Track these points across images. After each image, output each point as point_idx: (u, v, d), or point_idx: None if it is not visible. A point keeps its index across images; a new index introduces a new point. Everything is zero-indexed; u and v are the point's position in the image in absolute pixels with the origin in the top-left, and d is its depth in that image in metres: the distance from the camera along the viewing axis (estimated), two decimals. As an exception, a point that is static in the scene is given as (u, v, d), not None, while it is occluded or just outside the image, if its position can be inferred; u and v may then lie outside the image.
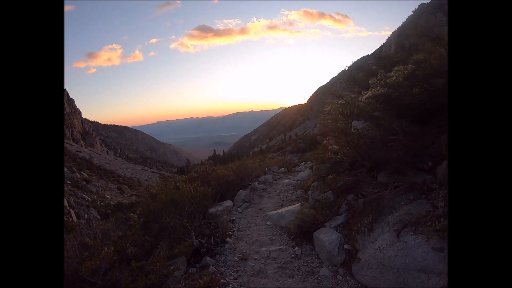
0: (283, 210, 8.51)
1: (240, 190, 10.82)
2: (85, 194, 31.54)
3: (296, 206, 8.31)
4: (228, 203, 9.91)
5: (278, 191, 11.11)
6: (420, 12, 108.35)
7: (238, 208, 9.72)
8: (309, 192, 8.89)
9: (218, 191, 10.03)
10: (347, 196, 7.00)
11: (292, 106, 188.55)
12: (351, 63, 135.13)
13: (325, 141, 9.14)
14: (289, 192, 10.75)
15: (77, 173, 37.19)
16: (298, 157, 27.08)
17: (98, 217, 26.72)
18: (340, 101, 7.09)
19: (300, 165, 21.82)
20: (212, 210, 8.65)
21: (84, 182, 36.02)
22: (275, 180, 13.01)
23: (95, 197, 33.24)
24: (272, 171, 14.45)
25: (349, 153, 7.15)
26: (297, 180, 11.81)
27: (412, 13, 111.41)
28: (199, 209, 7.27)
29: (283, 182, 12.37)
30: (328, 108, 7.38)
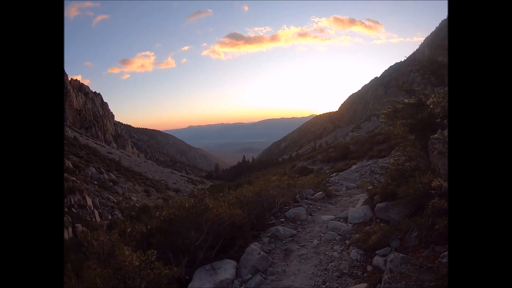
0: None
1: (252, 245, 6.56)
2: (111, 195, 31.40)
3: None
4: (228, 269, 6.01)
5: (315, 243, 7.13)
6: None
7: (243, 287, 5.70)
8: (376, 259, 5.46)
9: (216, 240, 6.58)
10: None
11: (323, 113, 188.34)
12: (384, 71, 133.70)
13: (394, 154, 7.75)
14: (335, 248, 6.72)
15: (104, 174, 37.17)
16: (329, 167, 26.31)
17: (122, 218, 26.60)
18: (408, 100, 6.70)
19: (339, 183, 20.90)
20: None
21: (111, 183, 35.88)
22: (310, 214, 9.26)
23: (121, 198, 33.11)
24: (306, 198, 10.95)
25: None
26: (346, 222, 8.04)
27: (445, 18, 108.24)
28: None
29: (323, 219, 8.68)
30: (386, 111, 6.98)
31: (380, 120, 7.07)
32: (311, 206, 10.28)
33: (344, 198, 11.44)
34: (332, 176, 22.48)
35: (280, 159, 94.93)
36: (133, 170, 53.21)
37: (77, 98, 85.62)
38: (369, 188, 8.15)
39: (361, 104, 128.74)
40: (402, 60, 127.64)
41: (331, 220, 8.48)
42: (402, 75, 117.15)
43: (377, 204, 7.02)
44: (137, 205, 32.81)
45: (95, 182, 33.37)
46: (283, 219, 8.80)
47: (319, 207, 10.26)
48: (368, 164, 21.58)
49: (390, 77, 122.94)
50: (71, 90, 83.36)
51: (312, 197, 11.30)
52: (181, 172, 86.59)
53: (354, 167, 22.27)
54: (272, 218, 8.90)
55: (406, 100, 6.87)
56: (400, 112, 6.92)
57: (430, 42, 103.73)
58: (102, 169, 39.34)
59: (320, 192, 11.63)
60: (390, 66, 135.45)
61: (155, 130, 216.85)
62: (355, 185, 17.46)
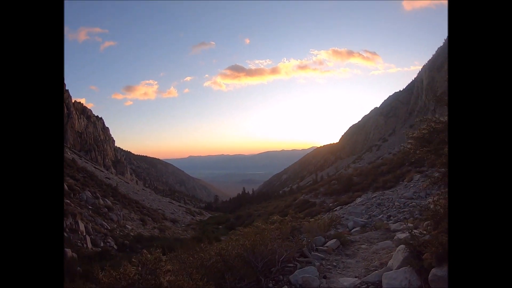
0: None
1: None
2: (104, 222, 30.42)
3: None
4: None
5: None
6: None
7: None
8: None
9: None
10: None
11: (324, 145, 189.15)
12: (383, 101, 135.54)
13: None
14: None
15: (100, 199, 36.21)
16: (332, 200, 25.45)
17: (115, 247, 25.69)
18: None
19: (344, 217, 19.90)
20: None
21: (106, 209, 34.79)
22: (324, 277, 7.01)
23: (115, 225, 32.02)
24: (316, 250, 8.75)
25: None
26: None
27: (441, 44, 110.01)
28: None
29: (343, 284, 6.47)
30: (418, 135, 6.44)
31: (408, 147, 6.29)
32: (323, 262, 7.80)
33: (362, 246, 9.23)
34: (336, 210, 21.57)
35: (281, 191, 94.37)
36: (130, 198, 52.24)
37: (79, 120, 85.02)
38: (410, 241, 5.79)
39: (361, 135, 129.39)
40: (401, 89, 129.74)
41: (354, 282, 6.42)
42: (402, 104, 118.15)
43: (432, 271, 4.82)
44: (132, 233, 31.82)
45: (90, 207, 32.36)
46: (286, 287, 6.48)
47: (334, 263, 7.72)
48: (374, 197, 20.73)
49: (389, 106, 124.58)
50: (74, 112, 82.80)
51: (323, 247, 8.91)
52: (179, 202, 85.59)
53: (359, 200, 21.43)
54: (270, 284, 6.59)
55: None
56: (440, 133, 6.15)
57: (428, 70, 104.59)
58: (98, 194, 38.33)
59: (334, 240, 9.23)
60: (389, 96, 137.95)
61: (155, 158, 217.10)
62: (363, 220, 16.50)
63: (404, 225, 9.17)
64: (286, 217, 12.22)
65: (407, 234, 6.40)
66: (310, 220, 12.21)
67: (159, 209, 56.14)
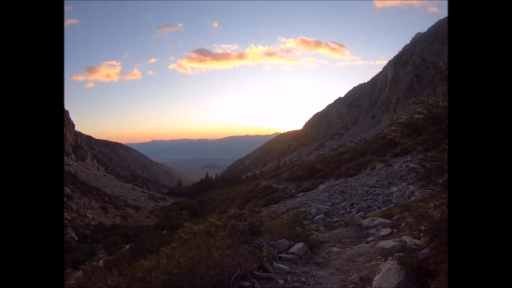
0: None
1: None
2: (64, 212, 29.62)
3: None
4: None
5: None
6: (417, 41, 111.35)
7: None
8: None
9: None
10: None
11: (287, 131, 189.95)
12: (348, 91, 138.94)
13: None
14: None
15: (58, 187, 35.27)
16: (295, 186, 25.55)
17: (76, 238, 25.15)
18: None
19: (307, 204, 19.92)
20: None
21: (65, 198, 33.65)
22: None
23: (75, 215, 31.34)
24: (279, 258, 7.00)
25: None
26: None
27: (408, 42, 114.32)
28: None
29: None
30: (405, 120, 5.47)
31: (392, 134, 5.71)
32: (289, 276, 6.26)
33: (334, 249, 7.84)
34: (298, 196, 21.69)
35: (244, 177, 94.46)
36: (91, 185, 51.15)
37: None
38: (404, 259, 4.58)
39: (324, 123, 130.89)
40: (366, 82, 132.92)
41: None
42: (365, 96, 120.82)
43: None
44: (93, 223, 31.23)
45: (47, 197, 31.48)
46: None
47: (302, 278, 6.20)
48: (337, 184, 20.93)
49: (353, 97, 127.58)
50: (30, 96, 79.96)
51: (288, 254, 7.29)
52: (142, 188, 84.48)
53: (322, 186, 21.59)
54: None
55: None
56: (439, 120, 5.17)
57: (393, 65, 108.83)
58: (55, 183, 37.35)
59: (300, 245, 7.60)
60: (354, 87, 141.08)
61: (117, 143, 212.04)
62: (326, 207, 16.62)
63: (391, 232, 8.19)
64: (245, 210, 10.72)
65: (395, 243, 5.56)
66: (273, 216, 10.84)
67: (121, 195, 55.38)
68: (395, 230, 8.17)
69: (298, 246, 7.55)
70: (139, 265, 5.38)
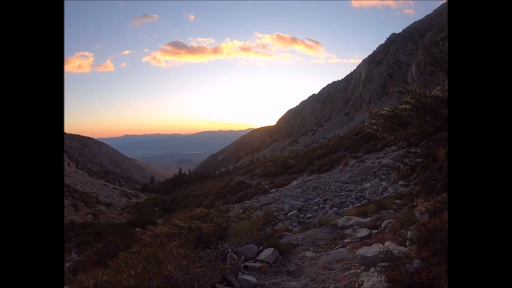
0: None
1: None
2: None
3: None
4: None
5: None
6: (391, 41, 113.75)
7: None
8: None
9: None
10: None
11: (261, 127, 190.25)
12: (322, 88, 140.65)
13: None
14: None
15: (27, 186, 34.58)
16: (268, 182, 25.51)
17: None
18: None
19: (280, 200, 19.76)
20: None
21: (34, 196, 32.93)
22: None
23: (44, 214, 30.54)
24: (246, 268, 6.20)
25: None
26: None
27: (383, 42, 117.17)
28: None
29: None
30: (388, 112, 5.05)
31: (373, 128, 5.24)
32: None
33: (307, 253, 7.02)
34: (272, 192, 21.65)
35: (217, 172, 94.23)
36: (60, 181, 50.05)
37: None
38: (392, 274, 4.03)
39: (298, 119, 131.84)
40: (340, 79, 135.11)
41: None
42: (339, 93, 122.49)
43: None
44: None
45: (15, 195, 30.77)
46: None
47: None
48: (310, 180, 20.96)
49: (327, 94, 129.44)
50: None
51: (256, 262, 6.52)
52: (114, 184, 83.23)
53: (295, 182, 21.57)
54: None
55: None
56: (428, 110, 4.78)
57: (367, 64, 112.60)
58: (24, 180, 36.58)
59: (270, 251, 6.80)
60: (328, 84, 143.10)
61: (89, 137, 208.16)
62: (299, 203, 16.58)
63: (369, 233, 7.39)
64: (212, 210, 9.82)
65: (377, 251, 4.96)
66: (241, 216, 9.83)
67: (93, 192, 54.37)
68: (373, 231, 7.51)
69: (267, 252, 6.75)
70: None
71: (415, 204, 6.08)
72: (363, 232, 7.59)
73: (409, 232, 4.59)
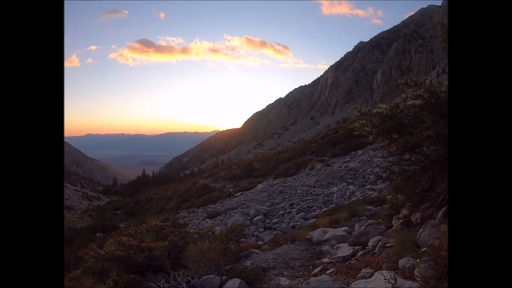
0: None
1: None
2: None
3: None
4: None
5: None
6: (359, 49, 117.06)
7: None
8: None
9: None
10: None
11: (226, 130, 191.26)
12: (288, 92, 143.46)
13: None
14: None
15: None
16: (233, 185, 25.08)
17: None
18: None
19: (245, 205, 19.34)
20: None
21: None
22: None
23: (0, 217, 29.29)
24: None
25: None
26: None
27: (351, 50, 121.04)
28: None
29: None
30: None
31: (366, 129, 4.48)
32: None
33: (282, 281, 5.60)
34: (236, 196, 21.23)
35: (181, 174, 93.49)
36: (18, 183, 48.48)
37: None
38: None
39: (264, 122, 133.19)
40: (307, 84, 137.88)
41: None
42: (305, 97, 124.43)
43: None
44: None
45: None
46: None
47: None
48: (276, 183, 20.64)
49: (293, 98, 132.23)
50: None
51: None
52: (75, 186, 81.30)
53: (260, 186, 21.22)
54: None
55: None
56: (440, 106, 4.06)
57: (334, 70, 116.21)
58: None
59: (236, 284, 5.40)
60: (295, 88, 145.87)
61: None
62: (265, 208, 16.17)
63: (352, 252, 6.22)
64: (168, 222, 8.64)
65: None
66: (201, 232, 8.37)
67: (52, 194, 52.96)
68: (357, 249, 6.33)
69: (233, 285, 5.40)
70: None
71: (401, 215, 5.66)
72: (345, 250, 6.40)
73: (418, 261, 3.71)
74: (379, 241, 5.95)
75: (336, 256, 6.22)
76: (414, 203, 4.93)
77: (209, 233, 8.48)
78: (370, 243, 6.18)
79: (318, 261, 6.33)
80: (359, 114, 4.69)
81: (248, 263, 6.50)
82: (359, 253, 6.06)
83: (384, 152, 5.03)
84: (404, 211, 5.71)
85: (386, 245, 5.50)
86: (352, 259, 5.94)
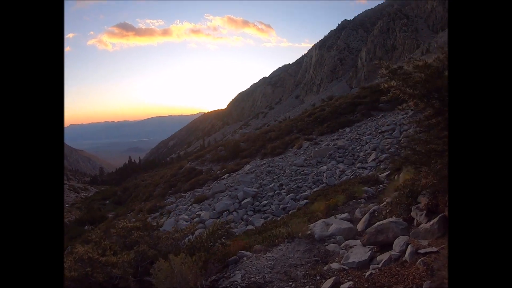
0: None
1: None
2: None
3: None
4: None
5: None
6: (343, 27, 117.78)
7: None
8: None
9: None
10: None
11: (211, 111, 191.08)
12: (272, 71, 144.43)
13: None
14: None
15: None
16: (220, 167, 24.66)
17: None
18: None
19: (233, 187, 18.95)
20: None
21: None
22: None
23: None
24: None
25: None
26: None
27: (334, 28, 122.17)
28: None
29: None
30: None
31: (405, 91, 3.85)
32: None
33: None
34: (224, 178, 20.83)
35: (168, 158, 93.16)
36: (1, 177, 47.68)
37: None
38: None
39: (249, 102, 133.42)
40: (291, 63, 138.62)
41: None
42: (290, 76, 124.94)
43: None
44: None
45: None
46: None
47: None
48: (263, 164, 20.27)
49: (278, 77, 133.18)
50: None
51: None
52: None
53: (247, 167, 20.85)
54: None
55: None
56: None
57: (318, 48, 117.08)
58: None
59: None
60: (279, 67, 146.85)
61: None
62: (253, 190, 15.77)
63: (370, 256, 5.07)
64: (138, 223, 6.59)
65: None
66: (175, 236, 6.32)
67: (37, 189, 52.31)
68: (375, 251, 5.31)
69: None
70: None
71: (422, 205, 5.00)
72: (359, 252, 5.25)
73: None
74: (407, 244, 4.71)
75: (349, 261, 5.08)
76: (437, 188, 4.38)
77: (189, 236, 6.94)
78: (397, 247, 4.86)
79: (326, 268, 5.09)
80: (387, 72, 3.96)
81: (238, 275, 5.21)
82: (381, 260, 4.77)
83: (416, 119, 4.36)
84: (424, 200, 4.91)
85: (419, 251, 4.36)
86: (372, 267, 4.71)
